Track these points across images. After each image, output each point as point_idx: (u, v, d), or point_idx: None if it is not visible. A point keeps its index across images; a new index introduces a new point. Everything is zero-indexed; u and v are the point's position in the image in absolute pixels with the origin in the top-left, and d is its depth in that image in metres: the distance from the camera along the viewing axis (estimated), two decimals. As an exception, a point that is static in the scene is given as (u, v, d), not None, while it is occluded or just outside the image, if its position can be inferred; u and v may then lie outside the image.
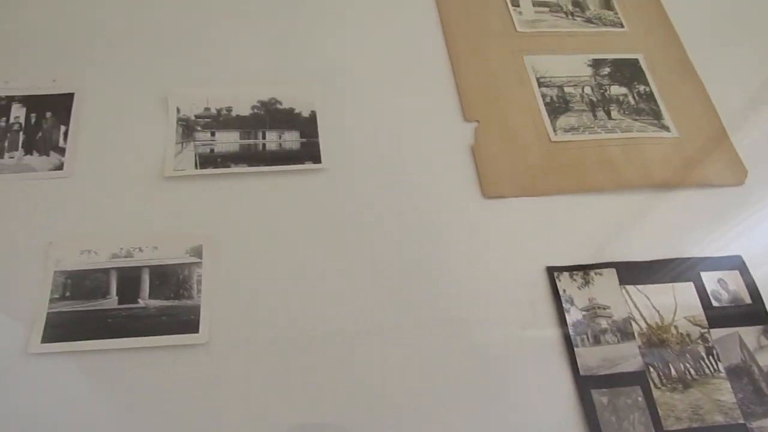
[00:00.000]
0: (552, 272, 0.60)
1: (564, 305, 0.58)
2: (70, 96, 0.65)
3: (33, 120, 0.63)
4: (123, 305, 0.54)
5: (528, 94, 0.71)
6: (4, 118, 0.63)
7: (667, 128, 0.69)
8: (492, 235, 0.62)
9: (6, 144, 0.61)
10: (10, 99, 0.64)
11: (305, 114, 0.66)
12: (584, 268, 0.61)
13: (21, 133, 0.62)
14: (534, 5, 0.78)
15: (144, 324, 0.53)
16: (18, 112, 0.63)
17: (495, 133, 0.67)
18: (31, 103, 0.64)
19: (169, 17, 0.72)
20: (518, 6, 0.78)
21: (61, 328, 0.53)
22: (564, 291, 0.59)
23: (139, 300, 0.55)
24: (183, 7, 0.74)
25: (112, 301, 0.54)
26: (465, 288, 0.59)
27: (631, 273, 0.60)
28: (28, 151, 0.61)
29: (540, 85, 0.71)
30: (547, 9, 0.78)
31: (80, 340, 0.52)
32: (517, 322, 0.57)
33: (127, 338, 0.53)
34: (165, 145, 0.63)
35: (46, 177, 0.60)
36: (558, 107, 0.70)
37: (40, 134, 0.62)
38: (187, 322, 0.54)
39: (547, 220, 0.63)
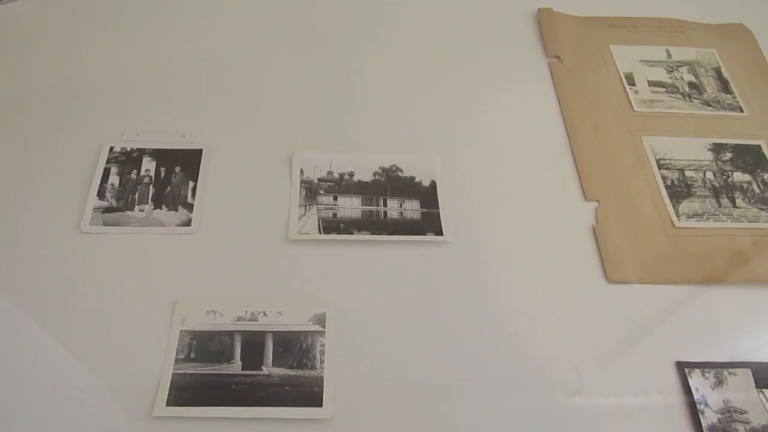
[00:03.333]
0: (683, 368, 0.57)
1: (698, 406, 0.55)
2: (198, 152, 0.66)
3: (162, 174, 0.64)
4: (247, 371, 0.53)
5: (648, 176, 0.69)
6: (135, 171, 0.64)
7: (796, 221, 0.67)
8: (616, 322, 0.59)
9: (137, 196, 0.62)
10: (141, 152, 0.66)
11: (425, 183, 0.66)
12: (716, 366, 0.58)
13: (151, 186, 0.63)
14: (650, 85, 0.78)
15: (267, 393, 0.52)
16: (148, 165, 0.65)
17: (617, 215, 0.66)
18: (161, 157, 0.66)
19: (295, 81, 0.74)
20: (634, 85, 0.77)
21: (186, 392, 0.52)
22: (696, 389, 0.56)
23: (263, 367, 0.54)
24: (310, 73, 0.76)
25: (236, 366, 0.54)
26: (588, 374, 0.56)
27: (769, 376, 0.57)
28: (157, 205, 0.62)
29: (660, 167, 0.70)
30: (663, 89, 0.77)
31: (205, 405, 0.51)
32: (647, 418, 0.54)
33: (251, 407, 0.51)
34: (289, 207, 0.63)
35: (175, 232, 0.61)
36: (680, 191, 0.68)
37: (169, 188, 0.63)
38: (310, 394, 0.52)
39: (674, 311, 0.60)
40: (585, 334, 0.58)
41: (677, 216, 0.66)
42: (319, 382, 0.53)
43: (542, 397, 0.54)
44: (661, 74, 0.79)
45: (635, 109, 0.75)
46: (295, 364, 0.54)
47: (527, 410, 0.54)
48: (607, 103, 0.75)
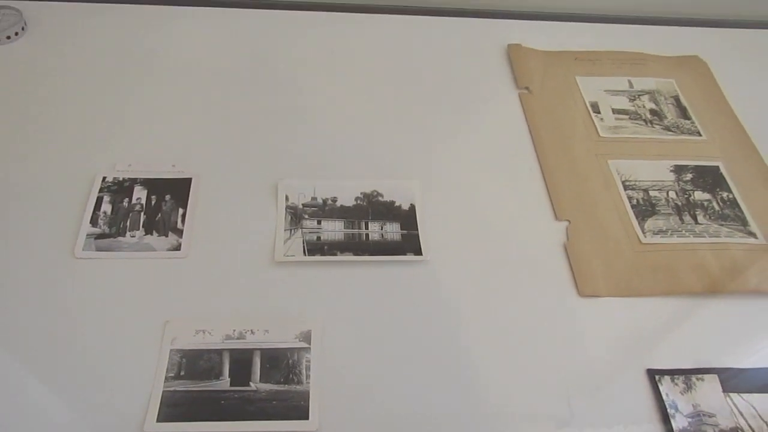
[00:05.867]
0: (653, 375, 0.60)
1: (669, 410, 0.58)
2: (188, 181, 0.69)
3: (153, 201, 0.67)
4: (235, 387, 0.55)
5: (615, 196, 0.73)
6: (127, 199, 0.67)
7: (754, 235, 0.71)
8: (588, 333, 0.62)
9: (128, 223, 0.65)
10: (133, 181, 0.69)
11: (405, 207, 0.70)
12: (685, 373, 0.60)
13: (142, 213, 0.66)
14: (614, 112, 0.83)
15: (256, 408, 0.54)
16: (140, 194, 0.68)
17: (586, 233, 0.70)
18: (152, 185, 0.69)
19: (280, 112, 0.78)
20: (599, 113, 0.82)
21: (176, 408, 0.53)
22: (667, 395, 0.59)
23: (251, 383, 0.55)
24: (294, 104, 0.80)
25: (225, 383, 0.55)
26: (563, 383, 0.59)
27: (735, 380, 0.60)
28: (148, 231, 0.65)
29: (626, 187, 0.74)
30: (626, 116, 0.82)
31: (195, 420, 0.53)
32: (619, 423, 0.57)
33: (240, 421, 0.53)
34: (275, 231, 0.66)
35: (165, 256, 0.63)
36: (645, 210, 0.72)
37: (159, 215, 0.66)
38: (297, 408, 0.54)
39: (643, 322, 0.64)
40: (560, 345, 0.61)
41: (643, 233, 0.70)
42: (305, 397, 0.55)
43: (523, 405, 0.57)
44: (624, 102, 0.84)
45: (601, 134, 0.80)
46: (282, 380, 0.56)
47: (505, 414, 0.56)
48: (575, 129, 0.80)
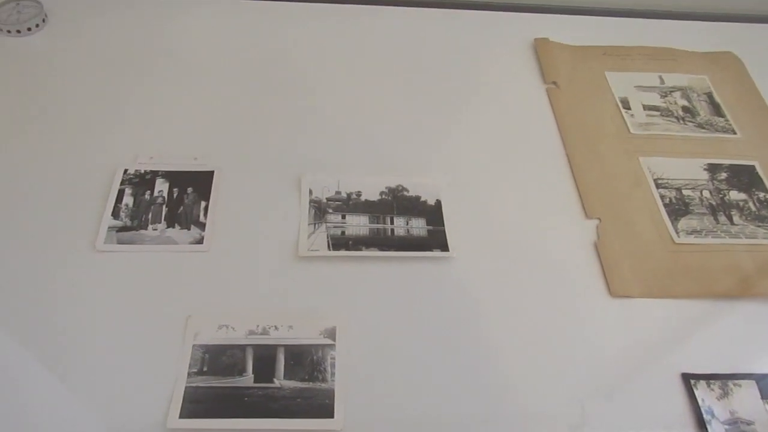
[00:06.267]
0: (688, 379, 0.58)
1: (705, 416, 0.56)
2: (210, 174, 0.68)
3: (175, 194, 0.66)
4: (259, 384, 0.54)
5: (646, 195, 0.71)
6: (149, 192, 0.66)
7: (792, 237, 0.68)
8: (620, 335, 0.60)
9: (150, 216, 0.64)
10: (155, 174, 0.68)
11: (431, 202, 0.68)
12: (721, 378, 0.58)
13: (164, 206, 0.65)
14: (645, 109, 0.80)
15: (280, 405, 0.53)
16: (161, 187, 0.67)
17: (617, 232, 0.68)
18: (174, 178, 0.67)
19: (304, 105, 0.77)
20: (629, 109, 0.80)
21: (198, 404, 0.52)
22: (703, 401, 0.57)
23: (275, 380, 0.54)
24: (319, 97, 0.78)
25: (248, 379, 0.54)
26: (594, 386, 0.57)
27: (774, 386, 0.58)
28: (170, 224, 0.64)
29: (658, 186, 0.72)
30: (658, 113, 0.80)
31: (217, 417, 0.52)
32: (653, 428, 0.55)
33: (264, 419, 0.52)
34: (299, 225, 0.65)
35: (187, 250, 0.62)
36: (678, 209, 0.70)
37: (181, 208, 0.65)
38: (321, 406, 0.53)
39: (677, 324, 0.62)
40: (590, 346, 0.59)
41: (677, 232, 0.68)
42: (330, 395, 0.54)
43: (553, 405, 0.55)
44: (655, 99, 0.82)
45: (632, 131, 0.78)
46: (306, 377, 0.55)
47: (532, 413, 0.55)
48: (605, 126, 0.78)
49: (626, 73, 0.84)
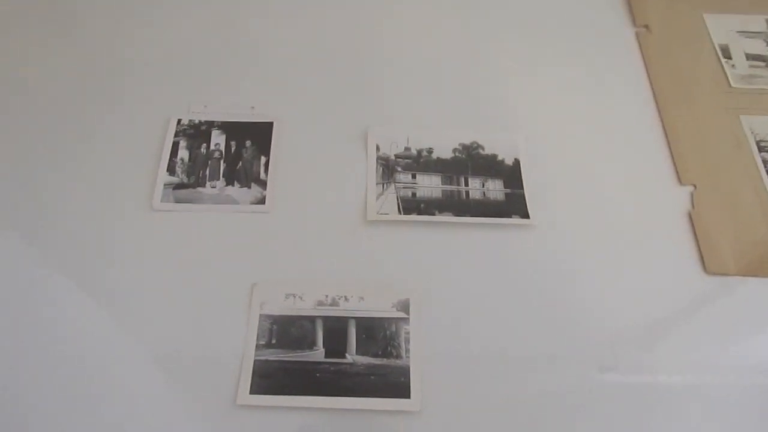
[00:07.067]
0: (791, 369, 0.53)
1: (808, 409, 0.52)
2: (269, 125, 0.63)
3: (233, 148, 0.61)
4: (330, 359, 0.51)
5: (747, 158, 0.64)
6: (205, 145, 0.61)
7: None
8: (715, 316, 0.56)
9: (208, 172, 0.60)
10: (210, 125, 0.63)
11: (508, 161, 0.62)
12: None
13: (222, 161, 0.60)
14: (748, 58, 0.72)
15: (353, 382, 0.50)
16: (218, 139, 0.62)
17: (714, 201, 0.61)
18: (231, 130, 0.62)
19: (369, 54, 0.70)
20: (730, 58, 0.71)
21: (269, 379, 0.50)
22: (806, 391, 0.52)
23: (347, 355, 0.51)
24: (384, 46, 0.71)
25: (319, 353, 0.51)
26: (683, 372, 0.53)
27: None
28: (229, 181, 0.59)
29: (761, 149, 0.65)
30: (763, 64, 0.71)
31: (289, 394, 0.49)
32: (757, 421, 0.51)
33: (337, 397, 0.49)
34: (366, 185, 0.60)
35: (249, 210, 0.58)
36: (783, 176, 0.63)
37: (240, 164, 0.60)
38: (396, 385, 0.50)
39: (779, 306, 0.57)
40: (682, 327, 0.55)
41: (781, 202, 0.61)
42: (405, 372, 0.51)
43: (638, 388, 0.51)
44: (760, 47, 0.73)
45: (732, 85, 0.69)
46: (379, 353, 0.51)
47: (619, 392, 0.51)
48: (701, 78, 0.70)
49: (728, 16, 0.75)
